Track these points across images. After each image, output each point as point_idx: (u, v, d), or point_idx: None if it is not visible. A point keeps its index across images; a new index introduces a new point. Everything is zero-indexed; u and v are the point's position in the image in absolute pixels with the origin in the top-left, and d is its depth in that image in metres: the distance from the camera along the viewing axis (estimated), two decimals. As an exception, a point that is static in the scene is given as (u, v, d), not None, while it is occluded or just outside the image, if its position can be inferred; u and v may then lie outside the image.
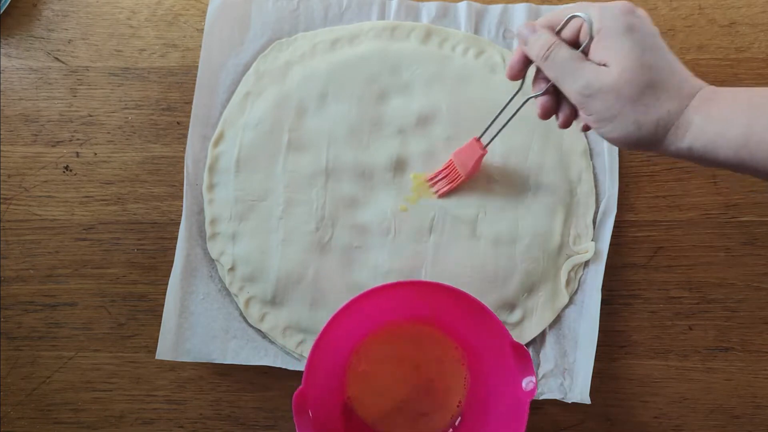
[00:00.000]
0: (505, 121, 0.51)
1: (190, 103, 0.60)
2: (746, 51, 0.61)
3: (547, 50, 0.41)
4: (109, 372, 0.59)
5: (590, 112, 0.40)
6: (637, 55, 0.38)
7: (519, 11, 0.61)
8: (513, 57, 0.44)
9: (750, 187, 0.59)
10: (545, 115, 0.45)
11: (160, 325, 0.56)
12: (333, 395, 0.53)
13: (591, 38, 0.39)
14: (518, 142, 0.58)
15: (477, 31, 0.61)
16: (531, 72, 0.45)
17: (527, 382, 0.47)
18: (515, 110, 0.50)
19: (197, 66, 0.60)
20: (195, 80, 0.60)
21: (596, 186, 0.59)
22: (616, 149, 0.58)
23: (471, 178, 0.56)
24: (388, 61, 0.59)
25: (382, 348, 0.55)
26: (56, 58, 0.63)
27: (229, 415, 0.58)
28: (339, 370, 0.54)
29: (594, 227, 0.58)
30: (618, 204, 0.58)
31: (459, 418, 0.55)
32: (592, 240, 0.58)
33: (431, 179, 0.57)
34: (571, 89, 0.40)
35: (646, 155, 0.60)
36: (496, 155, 0.58)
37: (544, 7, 0.61)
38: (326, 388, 0.51)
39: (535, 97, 0.44)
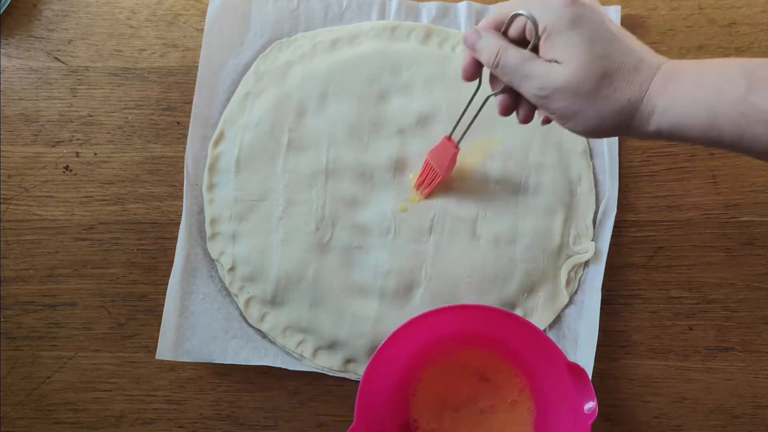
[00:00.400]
0: (472, 117, 0.51)
1: (190, 103, 0.60)
2: (746, 51, 0.61)
3: (496, 57, 0.40)
4: (109, 372, 0.59)
5: (550, 111, 0.39)
6: (587, 48, 0.37)
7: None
8: (464, 60, 0.44)
9: (750, 187, 0.59)
10: (505, 112, 0.45)
11: (160, 325, 0.56)
12: (391, 424, 0.52)
13: (537, 37, 0.39)
14: (518, 142, 0.58)
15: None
16: (487, 71, 0.45)
17: (589, 407, 0.47)
18: (479, 108, 0.50)
19: (197, 66, 0.60)
20: (195, 80, 0.60)
21: (596, 186, 0.59)
22: (616, 149, 0.59)
23: (448, 176, 0.56)
24: (388, 61, 0.60)
25: (443, 372, 0.54)
26: (56, 58, 0.63)
27: (229, 415, 0.58)
28: (395, 399, 0.52)
29: (594, 227, 0.58)
30: (618, 204, 0.58)
31: None
32: (592, 240, 0.58)
33: (416, 185, 0.57)
34: (527, 92, 0.40)
35: (646, 155, 0.60)
36: (496, 155, 0.58)
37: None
38: (381, 421, 0.50)
39: (494, 95, 0.45)
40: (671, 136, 0.37)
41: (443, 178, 0.56)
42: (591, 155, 0.59)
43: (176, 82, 0.62)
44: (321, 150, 0.58)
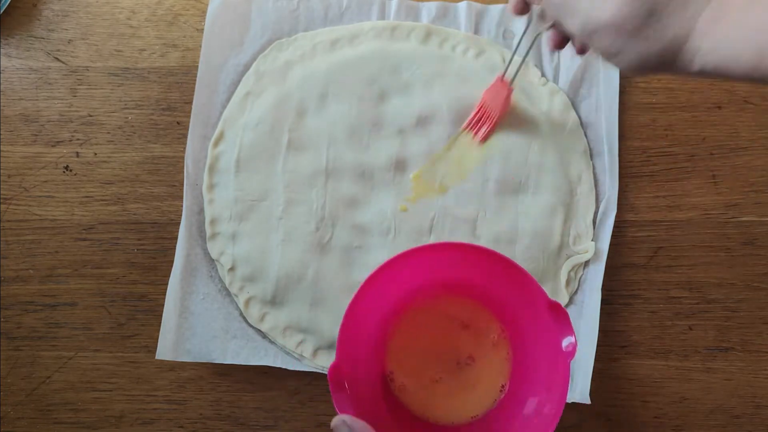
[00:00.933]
0: (522, 56, 0.54)
1: (190, 103, 0.60)
2: (746, 51, 0.61)
3: None
4: (109, 372, 0.59)
5: (594, 47, 0.39)
6: None
7: (519, 11, 0.61)
8: None
9: (750, 187, 0.59)
10: (556, 47, 0.47)
11: (160, 325, 0.56)
12: (371, 370, 0.51)
13: None
14: (518, 141, 0.58)
15: (477, 31, 0.61)
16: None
17: (567, 343, 0.45)
18: (529, 46, 0.53)
19: (197, 66, 0.60)
20: (195, 80, 0.60)
21: (596, 186, 0.59)
22: (616, 149, 0.58)
23: (503, 117, 0.57)
24: (388, 61, 0.59)
25: (421, 321, 0.53)
26: (56, 58, 0.63)
27: (229, 415, 0.58)
28: (375, 343, 0.51)
29: (594, 227, 0.58)
30: (618, 204, 0.58)
31: (503, 393, 0.52)
32: (591, 240, 0.58)
33: (467, 126, 0.58)
34: (570, 29, 0.40)
35: (646, 155, 0.60)
36: (496, 155, 0.58)
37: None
38: (362, 363, 0.49)
39: (545, 30, 0.46)
40: (715, 75, 0.37)
41: (499, 117, 0.57)
42: (591, 155, 0.59)
43: (176, 82, 0.62)
44: (321, 150, 0.58)
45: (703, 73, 0.37)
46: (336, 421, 0.41)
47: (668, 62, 0.37)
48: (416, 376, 0.53)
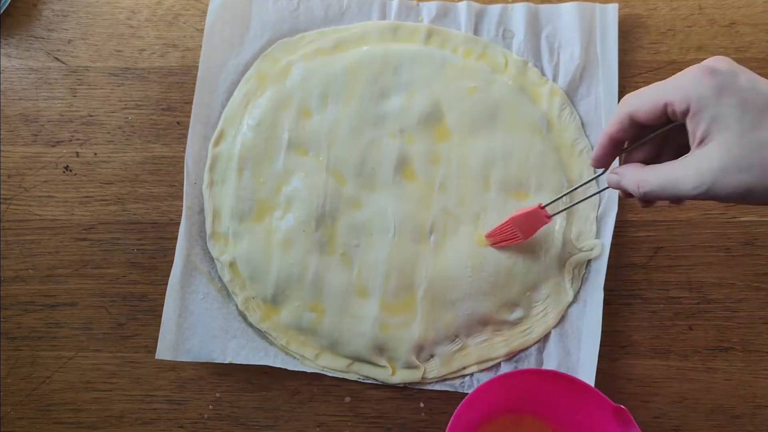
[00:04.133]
0: (575, 200, 0.51)
1: (190, 103, 0.60)
2: (746, 51, 0.61)
3: (638, 189, 0.38)
4: (109, 372, 0.59)
5: (723, 199, 0.35)
6: (738, 118, 0.33)
7: (518, 11, 0.61)
8: (597, 150, 0.42)
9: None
10: (626, 196, 0.44)
11: (160, 325, 0.56)
12: None
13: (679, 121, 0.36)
14: (519, 141, 0.58)
15: (477, 30, 0.61)
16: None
17: None
18: (589, 195, 0.50)
19: (197, 66, 0.60)
20: (195, 80, 0.60)
21: (597, 185, 0.59)
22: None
23: (528, 238, 0.55)
24: (389, 61, 0.60)
25: None
26: (56, 58, 0.63)
27: (229, 415, 0.58)
28: None
29: (596, 226, 0.58)
30: (618, 204, 0.58)
31: None
32: (596, 238, 0.58)
33: (489, 235, 0.56)
34: (685, 196, 0.36)
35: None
36: (496, 155, 0.58)
37: (543, 7, 0.61)
38: None
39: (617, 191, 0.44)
40: None
41: (523, 240, 0.55)
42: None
43: (176, 82, 0.62)
44: (321, 149, 0.58)
45: None
46: None
47: None
48: None
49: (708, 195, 0.35)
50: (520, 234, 0.54)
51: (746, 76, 0.35)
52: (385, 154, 0.58)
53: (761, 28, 0.61)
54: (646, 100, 0.37)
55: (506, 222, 0.55)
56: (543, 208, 0.52)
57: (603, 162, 0.43)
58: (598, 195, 0.57)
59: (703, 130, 0.35)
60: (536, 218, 0.53)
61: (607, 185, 0.43)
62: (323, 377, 0.57)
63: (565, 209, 0.53)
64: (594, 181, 0.50)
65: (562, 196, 0.51)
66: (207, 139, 0.60)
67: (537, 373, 0.51)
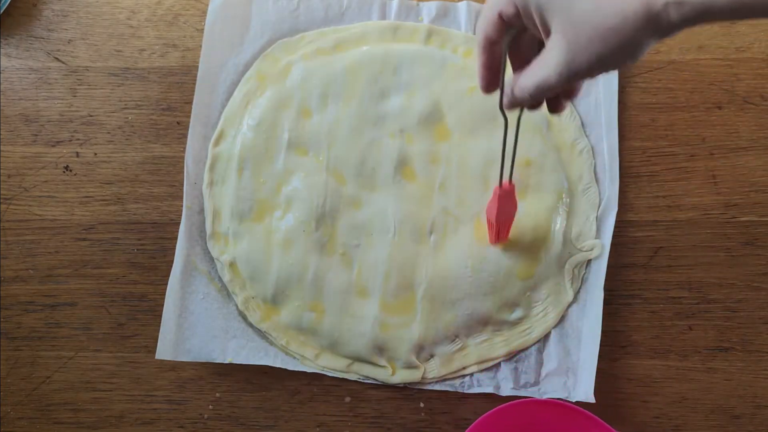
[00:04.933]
0: (510, 151, 0.49)
1: (190, 103, 0.60)
2: (746, 51, 0.61)
3: (522, 94, 0.40)
4: (109, 372, 0.59)
5: (587, 75, 0.37)
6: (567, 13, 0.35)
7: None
8: (481, 68, 0.42)
9: (750, 187, 0.59)
10: (553, 111, 0.44)
11: (160, 325, 0.56)
12: None
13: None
14: (518, 141, 0.58)
15: (476, 30, 0.61)
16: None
17: None
18: (514, 139, 0.48)
19: (197, 66, 0.60)
20: (195, 80, 0.60)
21: (597, 185, 0.59)
22: (616, 149, 0.58)
23: (514, 216, 0.54)
24: (389, 61, 0.60)
25: None
26: (56, 58, 0.63)
27: (229, 415, 0.58)
28: None
29: (596, 225, 0.58)
30: (618, 204, 0.58)
31: None
32: (596, 238, 0.58)
33: (493, 241, 0.56)
34: (557, 85, 0.38)
35: (646, 155, 0.59)
36: (496, 155, 0.58)
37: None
38: None
39: (530, 111, 0.44)
40: (699, 21, 0.33)
41: (512, 220, 0.55)
42: (591, 153, 0.59)
43: (176, 82, 0.62)
44: (321, 149, 0.58)
45: (687, 22, 0.34)
46: None
47: (651, 26, 0.34)
48: None
49: (574, 77, 0.36)
50: (509, 219, 0.54)
51: None
52: (385, 154, 0.58)
53: (761, 28, 0.61)
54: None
55: (490, 225, 0.54)
56: (500, 186, 0.51)
57: (491, 80, 0.42)
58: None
59: (539, 22, 0.36)
60: (506, 195, 0.52)
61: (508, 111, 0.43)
62: (323, 377, 0.57)
63: (512, 168, 0.50)
64: (513, 127, 0.47)
65: (502, 166, 0.50)
66: (207, 139, 0.60)
67: (538, 403, 0.50)
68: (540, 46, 0.39)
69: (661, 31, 0.34)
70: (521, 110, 0.45)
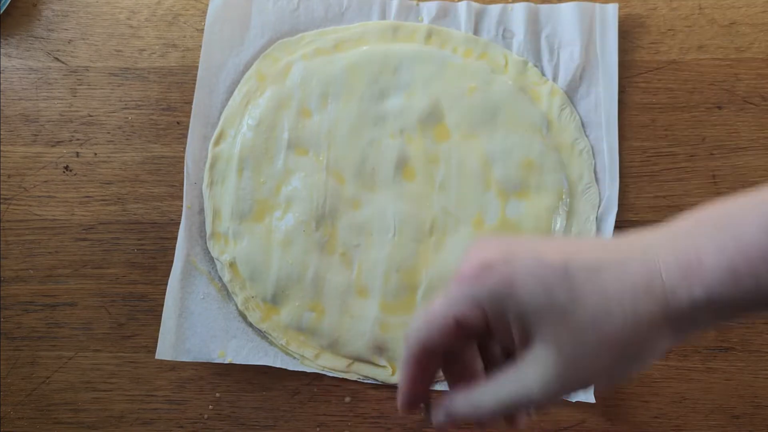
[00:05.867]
0: None
1: (190, 103, 0.60)
2: (746, 51, 0.61)
3: (478, 411, 0.32)
4: (109, 372, 0.59)
5: (575, 391, 0.31)
6: (545, 305, 0.29)
7: (518, 11, 0.61)
8: (405, 385, 0.33)
9: (750, 187, 0.58)
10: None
11: (160, 325, 0.56)
12: None
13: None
14: (519, 141, 0.58)
15: (476, 30, 0.61)
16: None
17: None
18: None
19: (197, 66, 0.60)
20: (195, 80, 0.60)
21: (597, 185, 0.59)
22: (615, 147, 0.58)
23: None
24: (389, 61, 0.60)
25: None
26: (56, 58, 0.63)
27: (229, 415, 0.58)
28: None
29: (596, 226, 0.58)
30: (618, 204, 0.58)
31: None
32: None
33: None
34: (537, 401, 0.30)
35: (646, 155, 0.59)
36: (496, 155, 0.58)
37: (543, 7, 0.61)
38: None
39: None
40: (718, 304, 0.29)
41: None
42: (591, 154, 0.59)
43: (176, 82, 0.62)
44: (321, 149, 0.58)
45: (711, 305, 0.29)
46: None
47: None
48: None
49: (564, 393, 0.30)
50: None
51: (525, 250, 0.30)
52: (385, 154, 0.58)
53: (761, 28, 0.61)
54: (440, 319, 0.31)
55: None
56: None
57: (416, 397, 0.33)
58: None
59: (518, 330, 0.30)
60: None
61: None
62: (323, 377, 0.57)
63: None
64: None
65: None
66: (207, 139, 0.60)
67: None
68: (491, 351, 0.34)
69: (681, 333, 0.30)
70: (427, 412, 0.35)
